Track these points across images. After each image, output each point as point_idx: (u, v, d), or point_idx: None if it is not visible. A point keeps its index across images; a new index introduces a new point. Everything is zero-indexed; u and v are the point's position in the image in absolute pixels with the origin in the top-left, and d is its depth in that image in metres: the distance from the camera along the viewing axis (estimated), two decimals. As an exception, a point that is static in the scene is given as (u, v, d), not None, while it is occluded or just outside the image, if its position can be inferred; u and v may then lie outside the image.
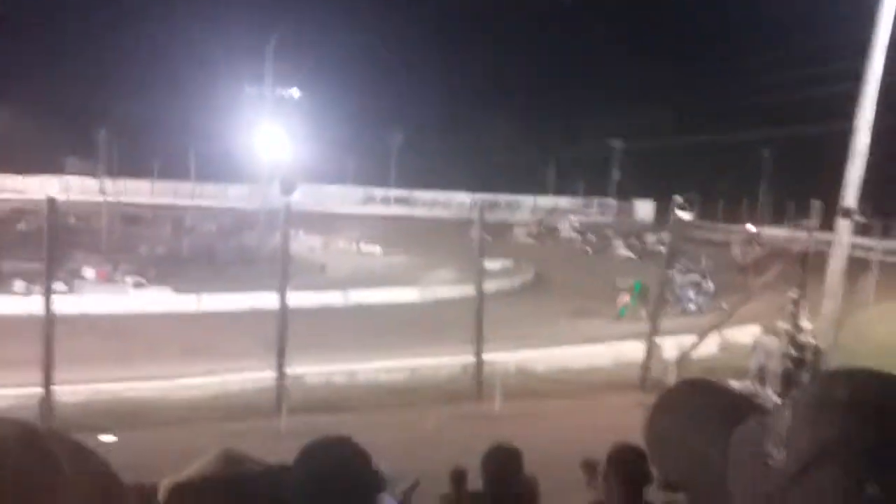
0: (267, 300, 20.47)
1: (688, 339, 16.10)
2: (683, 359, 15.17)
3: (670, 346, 16.43)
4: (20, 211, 47.63)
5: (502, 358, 15.08)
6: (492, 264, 29.16)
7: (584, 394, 13.77)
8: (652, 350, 14.87)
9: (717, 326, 16.45)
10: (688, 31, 72.46)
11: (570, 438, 11.12)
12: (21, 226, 44.97)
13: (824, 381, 0.88)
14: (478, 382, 13.40)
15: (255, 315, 23.36)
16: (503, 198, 65.83)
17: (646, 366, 14.69)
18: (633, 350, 15.97)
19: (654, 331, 14.93)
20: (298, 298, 20.96)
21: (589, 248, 49.75)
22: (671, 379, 13.29)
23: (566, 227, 53.10)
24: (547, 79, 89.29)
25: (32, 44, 78.40)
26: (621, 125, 66.84)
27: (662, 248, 25.27)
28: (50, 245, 11.82)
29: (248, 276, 36.05)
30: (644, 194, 59.62)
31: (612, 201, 65.38)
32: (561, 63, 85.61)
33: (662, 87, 64.40)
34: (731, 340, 18.30)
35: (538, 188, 69.14)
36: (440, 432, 10.90)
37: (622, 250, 47.33)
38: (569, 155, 67.27)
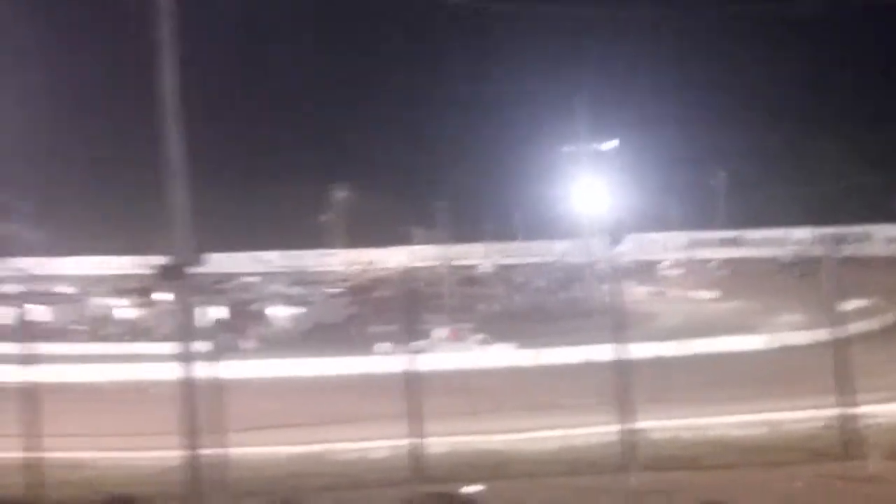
0: (601, 352, 20.68)
1: None
2: None
3: None
4: (377, 280, 54.28)
5: (874, 411, 13.38)
6: (845, 304, 26.18)
7: None
8: None
9: None
10: None
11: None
12: (378, 293, 51.21)
13: None
14: (846, 439, 11.98)
15: (591, 367, 23.69)
16: (850, 230, 59.03)
17: None
18: None
19: None
20: (633, 350, 20.78)
21: None
22: None
23: None
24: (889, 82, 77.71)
25: (376, 131, 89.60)
26: None
27: None
28: (408, 309, 13.18)
29: (581, 328, 36.94)
30: None
31: None
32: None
33: None
34: None
35: (892, 216, 60.70)
36: (808, 496, 9.93)
37: None
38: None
